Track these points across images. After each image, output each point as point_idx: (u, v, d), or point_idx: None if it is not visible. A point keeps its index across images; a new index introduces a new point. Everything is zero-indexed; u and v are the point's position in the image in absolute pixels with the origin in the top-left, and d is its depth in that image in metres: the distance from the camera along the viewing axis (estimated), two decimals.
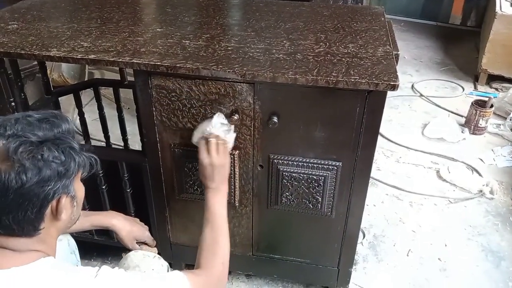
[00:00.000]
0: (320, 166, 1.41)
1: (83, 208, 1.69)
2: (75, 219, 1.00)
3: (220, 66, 1.26)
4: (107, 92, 3.01)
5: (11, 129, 0.85)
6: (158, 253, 1.40)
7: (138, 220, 1.43)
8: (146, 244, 1.44)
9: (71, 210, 0.94)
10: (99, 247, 1.91)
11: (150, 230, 1.68)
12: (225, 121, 1.32)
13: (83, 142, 1.78)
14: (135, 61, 1.29)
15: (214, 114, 1.33)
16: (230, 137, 1.33)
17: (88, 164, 0.95)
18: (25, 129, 0.86)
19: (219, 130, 1.30)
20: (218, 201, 1.29)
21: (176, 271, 1.03)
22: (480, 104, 2.90)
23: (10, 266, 0.85)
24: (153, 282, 0.97)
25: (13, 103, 1.58)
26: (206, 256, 1.21)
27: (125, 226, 1.37)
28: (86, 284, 0.87)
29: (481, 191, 2.39)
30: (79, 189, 0.97)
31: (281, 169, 1.44)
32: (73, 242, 1.32)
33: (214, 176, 1.29)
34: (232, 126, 1.35)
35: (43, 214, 0.88)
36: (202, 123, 1.33)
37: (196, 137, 1.34)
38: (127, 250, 1.38)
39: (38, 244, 0.91)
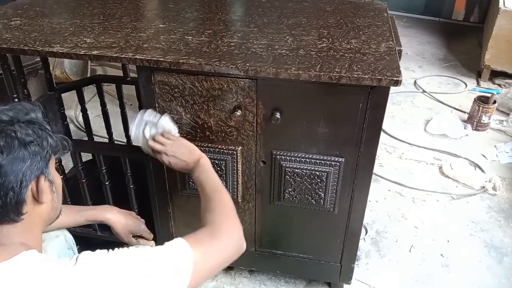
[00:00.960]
0: (322, 162, 1.41)
1: (86, 205, 1.71)
2: (57, 208, 0.99)
3: (223, 62, 1.26)
4: (109, 88, 3.01)
5: None
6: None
7: (134, 213, 1.42)
8: (142, 237, 1.43)
9: (51, 196, 0.93)
10: (102, 243, 1.91)
11: (152, 226, 1.69)
12: (153, 116, 1.33)
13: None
14: (138, 57, 1.29)
15: (139, 115, 1.34)
16: (167, 125, 1.33)
17: (61, 145, 0.95)
18: None
19: (161, 126, 1.32)
20: (202, 173, 1.24)
21: (176, 238, 0.98)
22: (483, 100, 2.90)
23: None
24: (151, 254, 0.92)
25: (16, 99, 1.58)
26: (203, 215, 1.14)
27: (120, 219, 1.36)
28: (65, 274, 0.83)
29: (483, 187, 2.39)
30: (56, 176, 0.96)
31: (284, 165, 1.44)
32: (70, 237, 1.30)
33: (184, 160, 1.27)
34: (158, 115, 1.34)
35: (24, 196, 0.87)
36: (137, 128, 1.35)
37: (143, 143, 1.36)
38: (124, 244, 1.38)
39: (22, 234, 0.90)
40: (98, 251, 0.89)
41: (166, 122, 1.33)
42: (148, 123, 1.33)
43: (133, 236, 1.41)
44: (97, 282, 0.83)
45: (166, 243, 0.95)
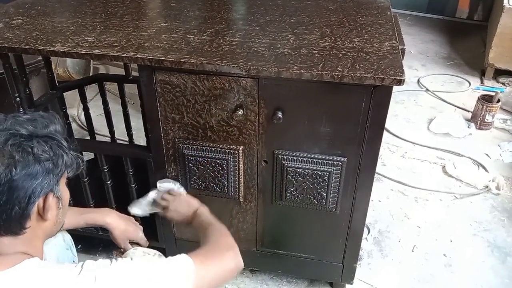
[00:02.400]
0: (325, 161, 1.41)
1: (87, 205, 1.71)
2: (61, 222, 0.99)
3: (225, 61, 1.25)
4: (112, 87, 3.01)
5: (1, 125, 0.87)
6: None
7: (133, 219, 1.41)
8: (139, 245, 1.42)
9: (57, 212, 0.94)
10: (103, 242, 1.92)
11: (154, 227, 1.69)
12: (170, 185, 1.46)
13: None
14: (140, 56, 1.29)
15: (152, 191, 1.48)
16: (168, 186, 1.46)
17: (75, 163, 0.95)
18: (14, 124, 0.87)
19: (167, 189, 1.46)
20: (199, 217, 1.32)
21: (181, 254, 1.00)
22: (486, 99, 2.88)
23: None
24: (156, 265, 0.93)
25: (18, 99, 1.58)
26: (202, 239, 1.19)
27: (119, 225, 1.34)
28: (69, 282, 0.84)
29: (487, 186, 2.38)
30: (65, 191, 0.97)
31: (286, 164, 1.44)
32: (68, 237, 1.29)
33: (183, 214, 1.37)
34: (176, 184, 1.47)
35: (30, 211, 0.87)
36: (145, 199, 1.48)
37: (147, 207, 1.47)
38: (119, 249, 1.37)
39: (23, 245, 0.89)
40: (101, 260, 0.90)
41: (167, 184, 1.46)
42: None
43: (129, 243, 1.40)
44: None
45: (170, 257, 0.97)
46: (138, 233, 1.39)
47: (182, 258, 0.97)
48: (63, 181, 0.95)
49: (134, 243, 1.39)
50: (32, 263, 0.85)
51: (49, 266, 0.87)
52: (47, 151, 0.87)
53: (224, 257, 1.08)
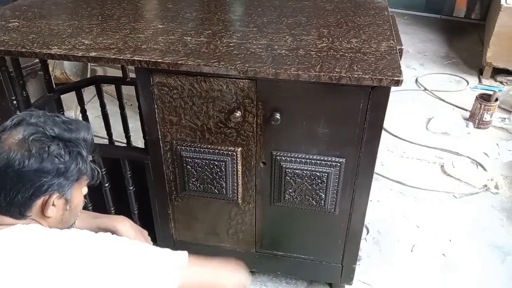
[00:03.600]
0: (323, 162, 1.40)
1: (85, 208, 1.70)
2: (67, 222, 1.03)
3: (222, 63, 1.25)
4: (109, 89, 3.01)
5: (35, 119, 0.95)
6: None
7: (146, 233, 1.39)
8: None
9: (62, 212, 0.98)
10: None
11: (153, 228, 1.69)
12: None
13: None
14: (136, 58, 1.28)
15: None
16: None
17: (90, 174, 1.01)
18: (46, 122, 0.95)
19: None
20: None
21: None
22: (484, 98, 2.88)
23: None
24: (154, 250, 0.99)
25: (15, 102, 1.58)
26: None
27: (129, 234, 1.32)
28: (91, 243, 0.92)
29: (486, 186, 2.38)
30: (77, 197, 1.02)
31: (284, 166, 1.43)
32: None
33: None
34: None
35: (32, 203, 0.93)
36: None
37: None
38: None
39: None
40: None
41: None
42: None
43: None
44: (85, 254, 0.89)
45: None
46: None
47: (180, 252, 1.01)
48: (78, 186, 1.00)
49: None
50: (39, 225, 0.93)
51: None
52: (63, 155, 0.93)
53: (221, 272, 1.12)
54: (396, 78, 1.16)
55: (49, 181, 0.92)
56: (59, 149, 0.93)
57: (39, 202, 0.93)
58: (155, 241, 1.49)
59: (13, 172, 0.89)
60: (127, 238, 1.31)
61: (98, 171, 1.04)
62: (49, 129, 0.94)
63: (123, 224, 1.35)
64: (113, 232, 1.36)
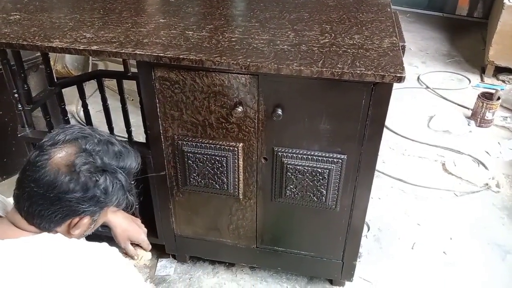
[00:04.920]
0: (325, 159, 1.40)
1: None
2: (84, 236, 1.07)
3: (224, 58, 1.24)
4: (110, 83, 3.00)
5: (91, 146, 0.96)
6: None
7: (138, 221, 1.39)
8: (140, 247, 1.39)
9: (86, 229, 1.02)
10: (105, 239, 1.90)
11: (153, 222, 1.68)
12: None
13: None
14: (138, 52, 1.28)
15: None
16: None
17: (125, 204, 1.05)
18: (99, 152, 0.96)
19: None
20: None
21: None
22: (486, 97, 2.87)
23: (18, 236, 0.93)
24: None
25: (16, 95, 1.57)
26: None
27: (121, 223, 1.33)
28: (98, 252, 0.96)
29: (487, 184, 2.37)
30: (102, 218, 1.06)
31: (286, 161, 1.43)
32: None
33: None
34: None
35: (63, 222, 0.96)
36: None
37: None
38: (122, 248, 1.36)
39: None
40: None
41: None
42: None
43: (131, 244, 1.37)
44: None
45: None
46: (140, 234, 1.37)
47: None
48: (107, 211, 1.05)
49: (136, 245, 1.38)
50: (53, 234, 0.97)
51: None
52: (106, 188, 0.96)
53: None
54: (398, 75, 1.16)
55: (86, 208, 0.95)
56: (105, 182, 0.95)
57: (68, 221, 0.97)
58: (152, 232, 1.48)
59: (55, 194, 0.91)
60: (121, 229, 1.33)
61: (133, 201, 1.08)
62: (100, 161, 0.95)
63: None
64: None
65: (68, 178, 0.91)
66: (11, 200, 1.11)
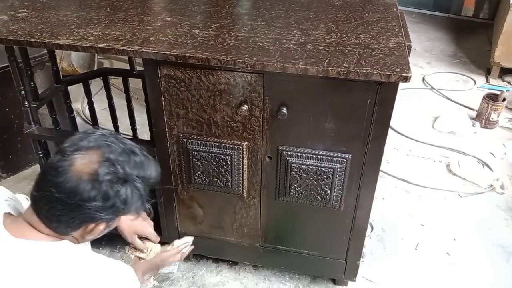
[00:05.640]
0: (329, 158, 1.40)
1: None
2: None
3: (230, 56, 1.25)
4: (116, 81, 3.01)
5: (114, 155, 0.95)
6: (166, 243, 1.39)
7: (144, 214, 1.40)
8: (148, 240, 1.40)
9: (99, 234, 1.03)
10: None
11: (158, 220, 1.69)
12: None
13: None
14: (145, 50, 1.29)
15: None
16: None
17: (141, 210, 1.05)
18: (123, 162, 0.95)
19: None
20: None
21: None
22: (492, 98, 2.86)
23: (39, 239, 0.94)
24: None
25: (23, 92, 1.58)
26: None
27: (126, 218, 1.35)
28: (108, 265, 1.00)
29: (491, 185, 2.37)
30: (116, 223, 1.06)
31: (290, 160, 1.43)
32: None
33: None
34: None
35: (80, 227, 0.97)
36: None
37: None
38: (128, 244, 1.37)
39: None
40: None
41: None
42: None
43: (139, 238, 1.38)
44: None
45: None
46: (146, 228, 1.38)
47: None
48: (122, 217, 1.05)
49: (144, 238, 1.38)
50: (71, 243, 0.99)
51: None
52: (126, 198, 0.96)
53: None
54: (404, 74, 1.16)
55: (104, 216, 0.95)
56: (126, 192, 0.95)
57: (84, 226, 0.97)
58: (156, 229, 1.49)
59: (75, 201, 0.91)
60: (126, 224, 1.34)
61: (150, 209, 1.09)
62: (122, 171, 0.95)
63: None
64: None
65: (90, 186, 0.90)
66: (18, 197, 1.13)
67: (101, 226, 0.98)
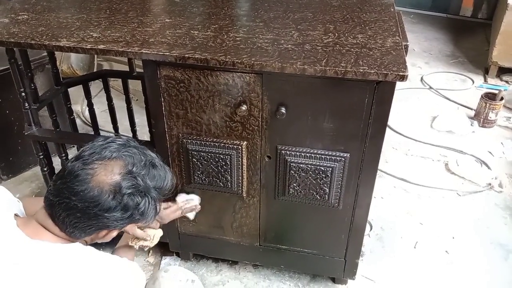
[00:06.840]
0: (328, 157, 1.41)
1: None
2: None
3: (229, 57, 1.26)
4: (116, 83, 3.03)
5: (137, 169, 0.97)
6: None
7: None
8: (149, 226, 1.39)
9: (110, 238, 1.05)
10: None
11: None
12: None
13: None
14: (144, 51, 1.30)
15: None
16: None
17: (153, 218, 1.07)
18: (144, 176, 0.98)
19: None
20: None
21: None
22: (490, 97, 2.88)
23: (54, 241, 0.95)
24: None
25: (23, 94, 1.59)
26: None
27: None
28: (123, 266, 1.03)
29: (489, 184, 2.38)
30: (127, 228, 1.09)
31: (289, 160, 1.44)
32: None
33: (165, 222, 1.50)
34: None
35: (94, 233, 0.99)
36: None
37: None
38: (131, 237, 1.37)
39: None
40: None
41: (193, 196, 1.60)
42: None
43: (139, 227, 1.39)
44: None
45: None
46: None
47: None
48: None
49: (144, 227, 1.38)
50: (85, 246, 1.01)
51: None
52: (145, 210, 0.99)
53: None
54: (401, 73, 1.17)
55: (120, 224, 0.98)
56: (145, 204, 0.98)
57: (98, 232, 1.00)
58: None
59: (95, 211, 0.92)
60: None
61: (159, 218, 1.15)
62: (143, 184, 0.97)
63: None
64: None
65: (111, 197, 0.92)
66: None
67: (114, 233, 1.01)
